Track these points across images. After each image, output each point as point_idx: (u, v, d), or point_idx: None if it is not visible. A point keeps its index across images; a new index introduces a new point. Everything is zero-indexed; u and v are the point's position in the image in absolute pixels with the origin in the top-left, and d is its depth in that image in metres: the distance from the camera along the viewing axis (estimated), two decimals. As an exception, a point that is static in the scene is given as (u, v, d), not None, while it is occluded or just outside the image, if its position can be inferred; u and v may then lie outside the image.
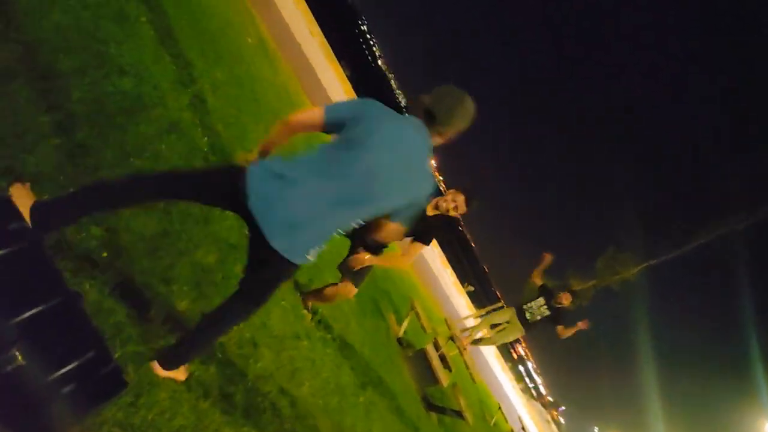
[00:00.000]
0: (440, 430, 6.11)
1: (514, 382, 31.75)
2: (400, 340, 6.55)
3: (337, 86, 13.24)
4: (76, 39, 2.58)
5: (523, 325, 6.97)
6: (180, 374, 2.06)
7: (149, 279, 2.22)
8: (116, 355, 1.82)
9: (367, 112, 1.83)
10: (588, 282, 12.58)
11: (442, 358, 6.64)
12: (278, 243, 1.70)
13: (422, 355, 6.06)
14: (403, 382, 5.41)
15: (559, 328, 6.85)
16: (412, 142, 1.84)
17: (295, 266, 1.80)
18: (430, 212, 3.62)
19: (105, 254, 2.03)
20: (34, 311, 0.79)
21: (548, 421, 73.63)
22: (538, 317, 6.87)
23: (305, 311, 3.65)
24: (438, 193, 3.81)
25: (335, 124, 1.82)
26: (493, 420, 12.20)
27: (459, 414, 6.16)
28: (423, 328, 6.74)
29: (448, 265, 23.08)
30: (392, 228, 1.98)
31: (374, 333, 5.30)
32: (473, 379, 7.09)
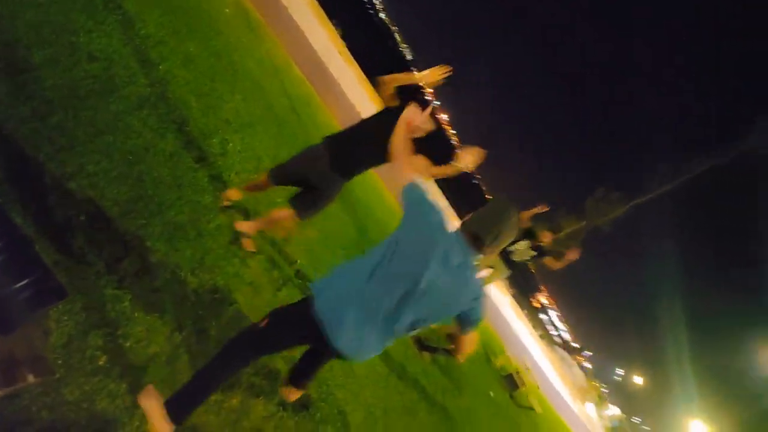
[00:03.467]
0: (433, 367, 6.62)
1: (531, 329, 32.52)
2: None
3: (329, 48, 13.31)
4: (48, 33, 2.94)
5: (509, 266, 7.34)
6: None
7: (123, 236, 2.64)
8: (98, 292, 2.28)
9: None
10: (579, 223, 12.87)
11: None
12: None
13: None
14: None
15: (547, 260, 7.22)
16: None
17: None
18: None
19: (81, 217, 2.45)
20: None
21: (572, 366, 74.74)
22: (526, 257, 7.23)
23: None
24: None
25: None
26: (499, 360, 12.79)
27: (449, 352, 6.64)
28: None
29: (457, 219, 23.39)
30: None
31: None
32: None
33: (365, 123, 3.42)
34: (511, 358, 13.76)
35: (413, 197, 2.16)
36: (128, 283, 2.47)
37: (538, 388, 15.94)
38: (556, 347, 73.57)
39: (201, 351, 2.68)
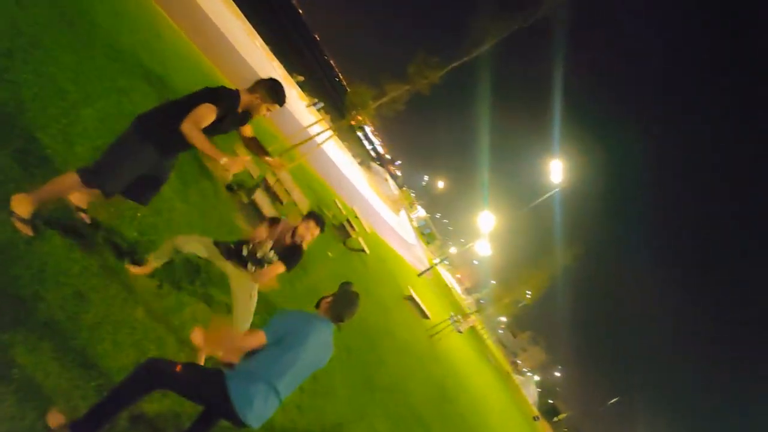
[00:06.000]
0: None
1: (351, 158, 34.37)
2: (229, 187, 6.81)
3: None
4: None
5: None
6: None
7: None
8: None
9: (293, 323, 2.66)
10: (402, 87, 13.21)
11: (274, 195, 7.17)
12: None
13: (253, 204, 6.49)
14: (240, 233, 5.88)
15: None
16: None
17: None
18: None
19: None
20: None
21: (386, 180, 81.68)
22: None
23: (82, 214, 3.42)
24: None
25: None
26: (331, 211, 13.63)
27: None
28: (250, 173, 7.04)
29: (275, 58, 22.02)
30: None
31: (201, 201, 5.48)
32: (296, 205, 7.68)
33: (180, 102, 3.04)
34: (341, 207, 14.69)
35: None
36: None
37: (366, 230, 17.54)
38: (373, 164, 79.11)
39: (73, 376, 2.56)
